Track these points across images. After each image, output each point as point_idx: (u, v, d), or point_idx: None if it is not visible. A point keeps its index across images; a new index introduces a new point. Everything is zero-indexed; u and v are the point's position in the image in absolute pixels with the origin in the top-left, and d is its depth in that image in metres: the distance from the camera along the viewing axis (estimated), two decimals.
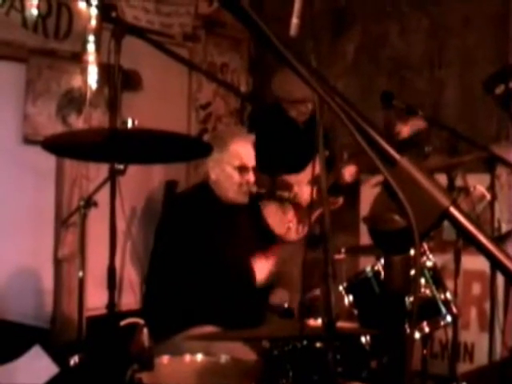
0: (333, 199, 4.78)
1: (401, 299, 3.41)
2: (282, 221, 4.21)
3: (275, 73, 5.14)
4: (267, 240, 4.19)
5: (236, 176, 3.94)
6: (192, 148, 3.09)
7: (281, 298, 4.06)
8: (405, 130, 4.61)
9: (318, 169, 2.39)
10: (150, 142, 2.82)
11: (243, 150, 3.97)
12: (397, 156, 1.04)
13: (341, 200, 4.91)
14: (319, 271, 2.37)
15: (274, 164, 4.52)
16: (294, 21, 2.18)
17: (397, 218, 1.08)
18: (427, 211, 1.05)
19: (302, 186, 4.81)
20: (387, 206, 1.08)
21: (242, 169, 3.95)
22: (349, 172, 5.05)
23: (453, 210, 1.05)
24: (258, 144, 4.07)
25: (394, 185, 1.01)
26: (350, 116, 1.06)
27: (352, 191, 5.34)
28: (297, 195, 4.75)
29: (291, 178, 4.87)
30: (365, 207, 5.32)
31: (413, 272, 3.50)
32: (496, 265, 1.03)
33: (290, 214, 4.30)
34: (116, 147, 2.69)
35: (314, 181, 3.78)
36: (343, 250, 3.86)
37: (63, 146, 2.93)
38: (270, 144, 4.34)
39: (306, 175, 4.83)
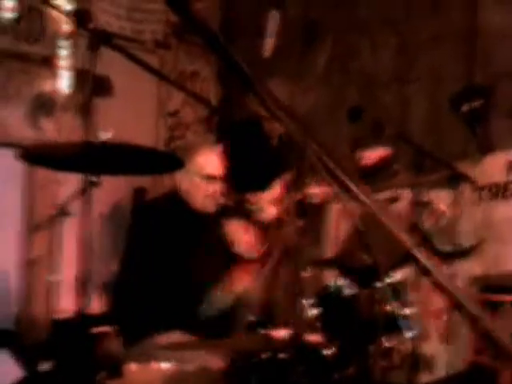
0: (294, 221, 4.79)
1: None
2: (242, 238, 4.24)
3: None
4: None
5: (204, 186, 4.02)
6: (164, 162, 3.14)
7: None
8: (369, 157, 4.65)
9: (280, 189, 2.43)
10: (123, 154, 2.86)
11: (209, 160, 4.06)
12: (367, 200, 1.10)
13: (300, 223, 4.92)
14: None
15: (242, 180, 4.54)
16: (269, 41, 2.23)
17: (365, 256, 1.15)
18: (393, 251, 1.11)
19: (266, 204, 4.83)
20: (356, 245, 1.15)
21: (209, 179, 4.03)
22: (316, 193, 5.00)
23: (415, 252, 1.11)
24: (228, 157, 4.14)
25: (363, 226, 1.08)
26: (323, 161, 1.12)
27: (316, 212, 5.34)
28: (261, 213, 4.78)
29: (256, 196, 4.89)
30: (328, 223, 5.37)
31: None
32: (458, 304, 1.09)
33: (251, 232, 4.32)
34: (90, 160, 2.72)
35: (278, 200, 3.82)
36: (309, 268, 3.90)
37: (37, 157, 2.96)
38: (240, 159, 4.37)
39: (270, 193, 4.86)
